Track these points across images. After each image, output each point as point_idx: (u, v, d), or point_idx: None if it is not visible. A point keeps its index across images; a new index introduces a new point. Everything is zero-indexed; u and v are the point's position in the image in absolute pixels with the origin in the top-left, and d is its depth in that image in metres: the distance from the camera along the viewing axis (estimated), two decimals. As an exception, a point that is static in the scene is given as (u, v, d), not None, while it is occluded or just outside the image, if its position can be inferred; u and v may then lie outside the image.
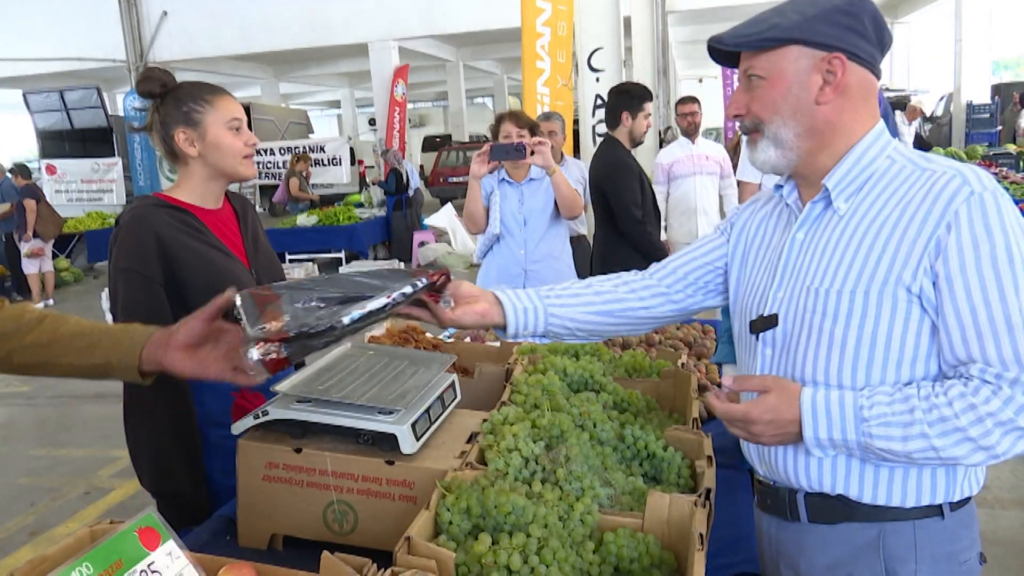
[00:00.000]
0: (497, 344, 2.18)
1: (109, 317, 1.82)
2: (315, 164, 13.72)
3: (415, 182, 10.89)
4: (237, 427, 1.39)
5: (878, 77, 1.20)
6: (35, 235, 9.14)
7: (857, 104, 1.18)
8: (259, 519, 1.39)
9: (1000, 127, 14.49)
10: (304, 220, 10.34)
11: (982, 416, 1.03)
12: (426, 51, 16.33)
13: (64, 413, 5.46)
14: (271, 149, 14.43)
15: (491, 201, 3.38)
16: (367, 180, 14.94)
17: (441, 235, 10.88)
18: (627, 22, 9.32)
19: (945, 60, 16.92)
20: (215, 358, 1.25)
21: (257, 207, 10.94)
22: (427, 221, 11.13)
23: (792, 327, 1.21)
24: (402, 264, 9.79)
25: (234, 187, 2.00)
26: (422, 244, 10.38)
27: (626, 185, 3.67)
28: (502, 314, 1.39)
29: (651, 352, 2.24)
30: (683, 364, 1.95)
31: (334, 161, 14.60)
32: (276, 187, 12.75)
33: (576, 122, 7.11)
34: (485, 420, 1.45)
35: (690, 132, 5.29)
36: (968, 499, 1.20)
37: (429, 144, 23.84)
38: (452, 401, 1.52)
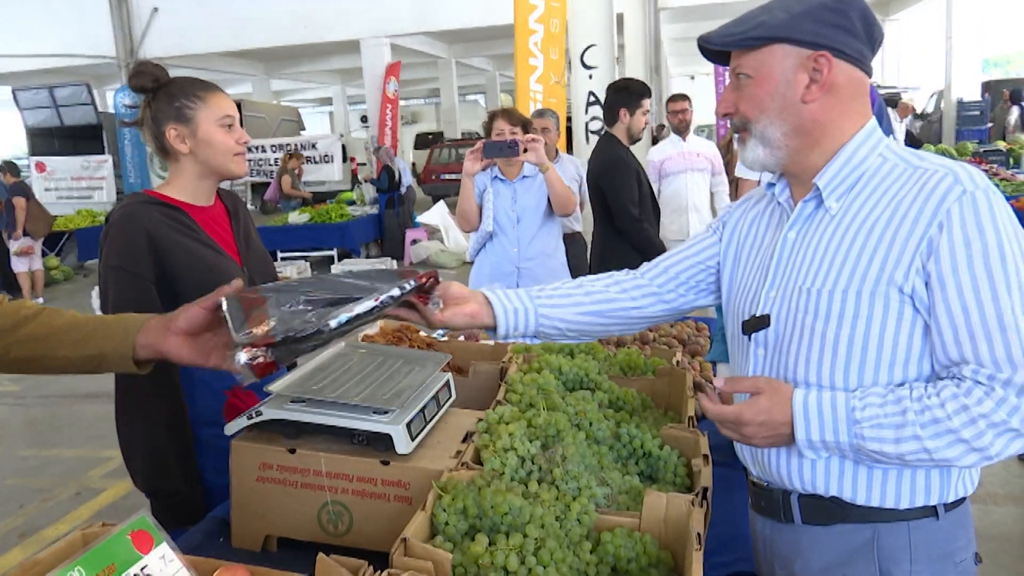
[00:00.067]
0: (492, 343, 2.17)
1: (100, 316, 1.80)
2: (307, 161, 13.67)
3: (407, 179, 10.88)
4: (230, 428, 1.38)
5: (869, 74, 1.19)
6: (25, 233, 9.07)
7: (846, 102, 1.17)
8: (253, 520, 1.38)
9: (990, 124, 14.57)
10: (296, 218, 10.30)
11: (975, 417, 1.02)
12: (418, 48, 16.28)
13: (54, 413, 5.42)
14: (263, 146, 14.36)
15: (484, 199, 3.37)
16: (359, 177, 14.92)
17: (433, 232, 10.87)
18: (620, 19, 9.31)
19: (936, 57, 16.99)
20: (215, 346, 1.23)
21: (249, 205, 10.92)
22: (419, 219, 11.12)
23: (784, 327, 1.21)
24: (395, 262, 9.77)
25: (225, 184, 1.98)
26: (414, 242, 10.36)
27: (623, 182, 3.66)
28: (492, 315, 1.38)
29: (645, 350, 2.24)
30: (678, 362, 1.95)
31: (326, 158, 14.55)
32: (268, 184, 12.69)
33: (569, 119, 7.10)
34: (480, 419, 1.44)
35: (681, 129, 5.30)
36: (963, 499, 1.20)
37: (421, 141, 23.73)
38: (447, 400, 1.52)
